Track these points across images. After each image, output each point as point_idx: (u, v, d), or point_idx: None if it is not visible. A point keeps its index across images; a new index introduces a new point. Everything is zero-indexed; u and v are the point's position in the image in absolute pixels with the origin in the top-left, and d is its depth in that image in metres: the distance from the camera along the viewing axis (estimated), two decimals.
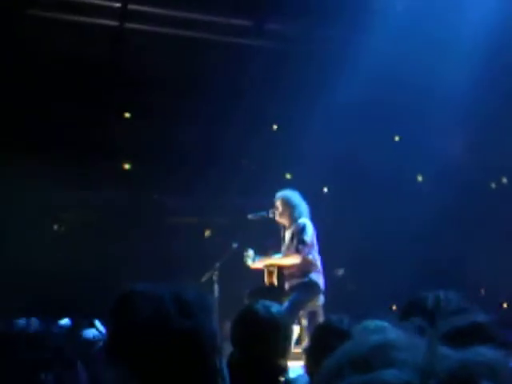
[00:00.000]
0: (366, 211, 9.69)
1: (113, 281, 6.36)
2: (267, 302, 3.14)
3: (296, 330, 6.53)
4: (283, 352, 3.02)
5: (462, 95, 8.57)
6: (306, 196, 7.08)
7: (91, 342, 4.44)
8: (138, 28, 8.67)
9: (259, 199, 7.77)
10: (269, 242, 7.50)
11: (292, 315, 6.32)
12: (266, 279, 6.95)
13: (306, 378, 3.01)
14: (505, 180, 10.67)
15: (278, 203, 6.99)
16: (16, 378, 4.07)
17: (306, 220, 6.89)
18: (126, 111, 9.87)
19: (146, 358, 1.59)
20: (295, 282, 6.82)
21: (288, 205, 6.95)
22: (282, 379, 2.92)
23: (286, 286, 6.85)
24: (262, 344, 2.96)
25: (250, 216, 7.34)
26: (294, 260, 6.80)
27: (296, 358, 5.55)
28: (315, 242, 6.95)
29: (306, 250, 6.81)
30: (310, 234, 6.85)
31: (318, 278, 6.88)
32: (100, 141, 9.55)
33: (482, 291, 9.67)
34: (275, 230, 7.21)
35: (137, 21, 8.59)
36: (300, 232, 6.81)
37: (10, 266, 8.05)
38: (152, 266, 8.51)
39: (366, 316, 2.80)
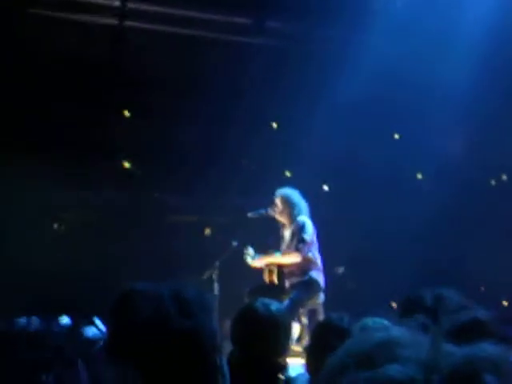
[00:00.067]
0: (365, 209, 9.68)
1: (113, 280, 6.35)
2: (267, 301, 3.14)
3: (296, 328, 6.54)
4: (283, 350, 3.02)
5: (461, 94, 8.58)
6: (305, 194, 7.08)
7: (92, 341, 4.43)
8: (138, 27, 8.68)
9: (259, 199, 7.76)
10: (269, 240, 7.50)
11: (292, 313, 6.32)
12: (266, 277, 6.95)
13: (307, 376, 3.01)
14: (505, 177, 10.66)
15: (278, 201, 6.98)
16: (16, 377, 4.07)
17: (305, 218, 6.89)
18: (126, 111, 9.85)
19: (146, 357, 1.59)
20: (295, 280, 6.82)
21: (288, 203, 6.95)
22: (282, 377, 2.92)
23: (286, 284, 6.85)
24: (261, 342, 2.96)
25: (249, 214, 7.34)
26: (294, 258, 6.80)
27: (297, 355, 5.56)
28: (315, 240, 6.95)
29: (306, 248, 6.81)
30: (310, 233, 6.85)
31: (318, 276, 6.88)
32: (100, 141, 9.54)
33: (482, 289, 9.67)
34: (275, 228, 7.21)
35: (136, 19, 8.60)
36: (300, 230, 6.81)
37: (10, 265, 8.05)
38: (152, 265, 8.50)
39: (365, 314, 2.80)
